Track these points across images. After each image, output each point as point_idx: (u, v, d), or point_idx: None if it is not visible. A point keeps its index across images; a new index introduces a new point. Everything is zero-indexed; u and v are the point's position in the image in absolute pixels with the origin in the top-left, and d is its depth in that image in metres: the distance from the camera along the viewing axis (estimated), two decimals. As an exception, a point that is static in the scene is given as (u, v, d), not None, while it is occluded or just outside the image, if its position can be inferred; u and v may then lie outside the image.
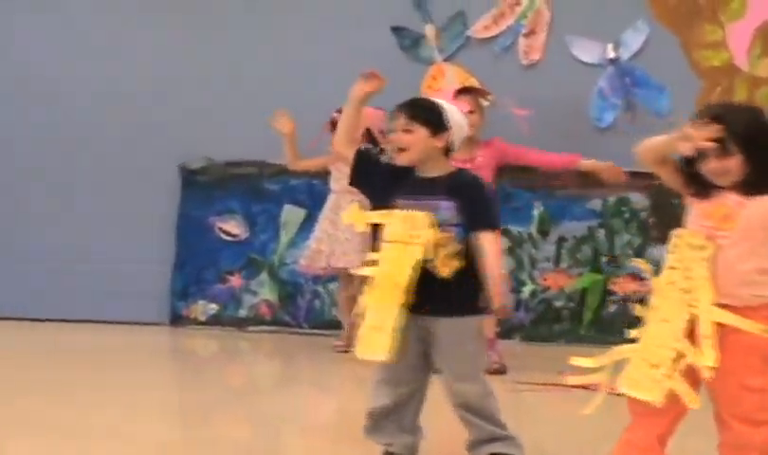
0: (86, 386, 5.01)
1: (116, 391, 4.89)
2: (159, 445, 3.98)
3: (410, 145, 3.40)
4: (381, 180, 3.44)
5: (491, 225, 3.40)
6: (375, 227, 3.39)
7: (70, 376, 5.23)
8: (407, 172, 3.44)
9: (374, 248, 3.37)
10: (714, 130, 2.76)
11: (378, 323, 3.27)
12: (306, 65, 6.47)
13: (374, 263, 3.33)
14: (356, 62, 6.30)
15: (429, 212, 3.31)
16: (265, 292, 6.50)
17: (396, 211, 3.34)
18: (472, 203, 3.37)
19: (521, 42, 6.33)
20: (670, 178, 2.94)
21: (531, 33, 6.33)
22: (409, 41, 6.47)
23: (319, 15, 6.50)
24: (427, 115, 3.43)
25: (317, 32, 6.49)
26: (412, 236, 3.29)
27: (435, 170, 3.43)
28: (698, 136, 2.77)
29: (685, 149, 2.81)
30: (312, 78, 6.42)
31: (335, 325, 6.15)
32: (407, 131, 3.41)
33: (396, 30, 6.44)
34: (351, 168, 3.49)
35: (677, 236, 2.88)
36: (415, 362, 3.40)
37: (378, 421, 3.46)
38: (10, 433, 4.10)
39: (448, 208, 3.34)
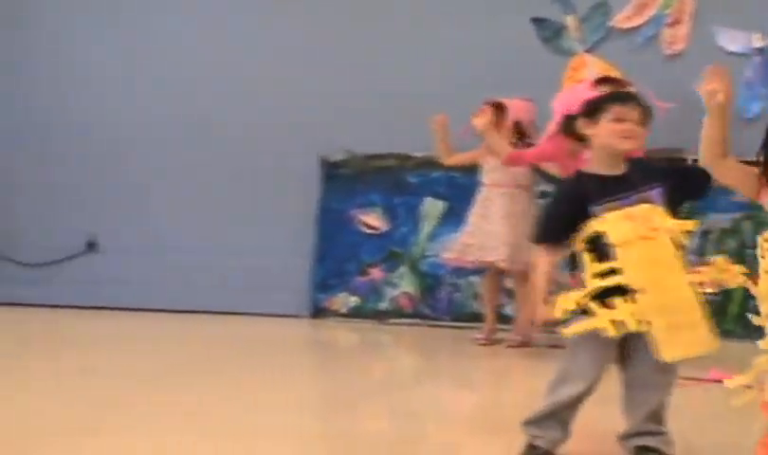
0: (228, 377, 5.07)
1: (257, 383, 4.94)
2: (300, 437, 4.01)
3: (640, 137, 3.35)
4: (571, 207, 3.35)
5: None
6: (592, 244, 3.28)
7: (213, 367, 5.31)
8: (588, 182, 3.36)
9: (600, 259, 3.23)
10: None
11: (679, 319, 3.16)
12: (447, 56, 6.46)
13: (613, 271, 3.20)
14: (495, 52, 6.35)
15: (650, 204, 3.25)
16: (405, 284, 6.51)
17: (613, 214, 3.24)
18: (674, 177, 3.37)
19: (665, 32, 6.23)
20: (731, 174, 2.86)
21: (675, 23, 6.22)
22: (549, 32, 6.42)
23: (459, 5, 6.49)
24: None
25: (457, 22, 6.47)
26: (652, 228, 3.20)
27: (619, 166, 3.37)
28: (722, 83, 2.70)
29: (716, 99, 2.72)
30: (452, 68, 6.42)
31: (475, 318, 6.14)
32: (642, 124, 3.35)
33: (537, 21, 6.39)
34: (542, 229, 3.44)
35: (764, 239, 2.79)
36: (603, 362, 3.35)
37: (551, 415, 3.41)
38: (155, 422, 4.18)
39: (658, 194, 3.29)
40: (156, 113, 6.91)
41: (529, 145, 5.70)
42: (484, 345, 5.77)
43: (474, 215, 5.85)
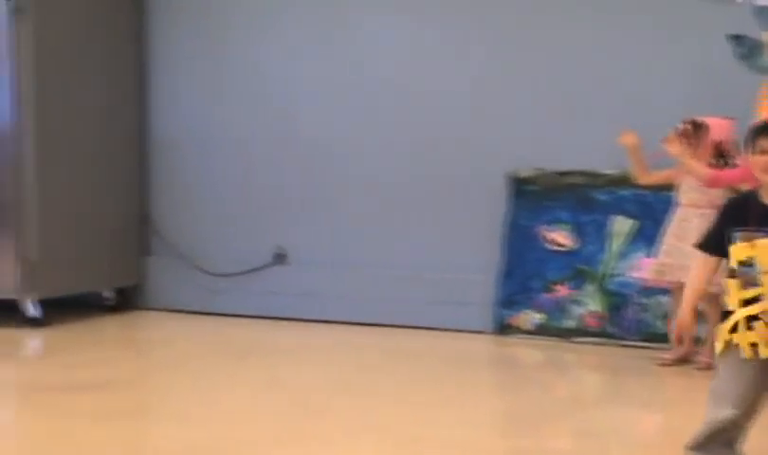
0: (411, 391, 5.09)
1: (440, 398, 4.94)
2: (483, 453, 4.00)
3: None
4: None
5: None
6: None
7: (397, 381, 5.34)
8: (743, 205, 3.35)
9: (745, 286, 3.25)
10: None
11: None
12: (639, 72, 6.36)
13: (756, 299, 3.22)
14: (689, 69, 6.22)
15: None
16: (591, 303, 6.42)
17: (763, 241, 3.24)
18: None
19: None
20: None
21: None
22: (746, 49, 6.25)
23: (652, 22, 6.37)
24: None
25: (651, 39, 6.37)
26: None
27: None
28: None
29: None
30: (645, 85, 6.31)
31: (662, 338, 6.01)
32: None
33: (734, 38, 6.23)
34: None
35: None
36: (753, 385, 3.28)
37: (713, 436, 3.34)
38: (341, 435, 4.22)
39: None
40: (345, 128, 6.97)
41: (730, 165, 5.58)
42: (670, 366, 5.66)
43: (670, 235, 5.74)
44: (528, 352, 6.33)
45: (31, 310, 6.59)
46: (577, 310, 6.45)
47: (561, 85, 6.55)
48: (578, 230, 6.52)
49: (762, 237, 3.23)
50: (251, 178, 7.17)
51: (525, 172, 6.63)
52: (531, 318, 6.55)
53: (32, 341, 6.40)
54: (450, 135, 6.74)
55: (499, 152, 6.61)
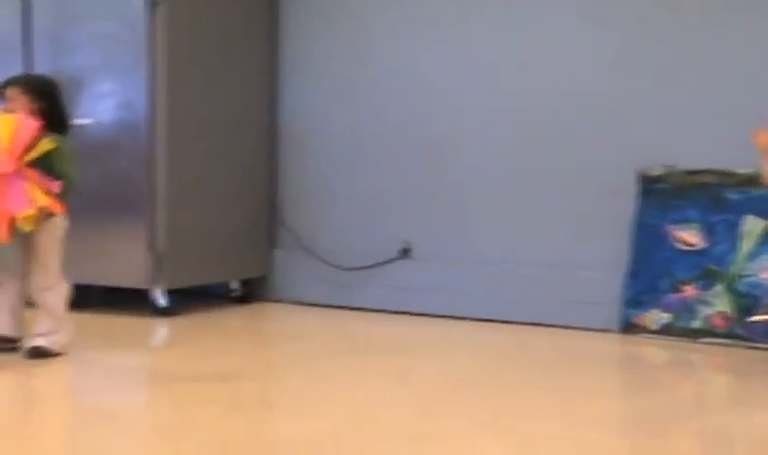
0: (535, 389, 5.07)
1: (564, 397, 4.91)
2: (605, 452, 3.96)
3: None
4: None
5: None
6: None
7: (522, 378, 5.32)
8: None
9: None
10: None
11: None
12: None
13: None
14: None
15: None
16: (720, 304, 6.32)
17: None
18: None
19: None
20: None
21: None
22: None
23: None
24: None
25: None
26: None
27: None
28: None
29: None
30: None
31: (793, 343, 5.90)
32: None
33: None
34: None
35: None
36: None
37: None
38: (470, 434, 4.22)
39: None
40: (474, 125, 6.97)
41: None
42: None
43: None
44: (654, 351, 6.25)
45: (160, 300, 6.72)
46: (705, 310, 6.35)
47: (694, 82, 6.45)
48: (708, 230, 6.42)
49: None
50: (378, 173, 7.21)
51: (655, 170, 6.55)
52: (658, 317, 6.47)
53: (161, 330, 6.53)
54: (580, 131, 6.69)
55: (629, 149, 6.55)
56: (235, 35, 7.19)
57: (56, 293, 5.46)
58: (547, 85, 6.77)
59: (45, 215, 5.27)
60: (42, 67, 6.73)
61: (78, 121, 6.53)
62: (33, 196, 5.15)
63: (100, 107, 6.75)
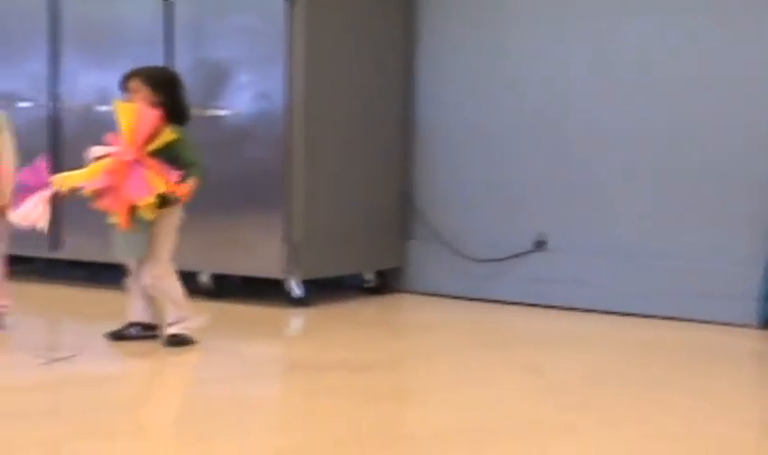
0: (671, 384, 5.00)
1: (701, 393, 4.84)
2: (746, 451, 3.90)
3: None
4: None
5: None
6: None
7: (657, 373, 5.26)
8: None
9: None
10: None
11: None
12: None
13: None
14: None
15: None
16: None
17: None
18: None
19: None
20: None
21: None
22: None
23: None
24: None
25: None
26: None
27: None
28: None
29: None
30: None
31: None
32: None
33: None
34: None
35: None
36: None
37: None
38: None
39: None
40: (611, 117, 6.88)
41: None
42: None
43: None
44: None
45: (295, 290, 6.78)
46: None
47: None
48: None
49: None
50: (512, 165, 7.17)
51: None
52: (797, 313, 6.34)
53: (295, 320, 6.60)
54: (722, 125, 6.58)
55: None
56: (372, 29, 7.22)
57: (169, 281, 5.52)
58: (696, 77, 6.65)
59: (166, 203, 5.32)
60: (182, 60, 6.85)
61: (216, 112, 6.63)
62: (154, 184, 5.22)
63: (238, 98, 6.84)
